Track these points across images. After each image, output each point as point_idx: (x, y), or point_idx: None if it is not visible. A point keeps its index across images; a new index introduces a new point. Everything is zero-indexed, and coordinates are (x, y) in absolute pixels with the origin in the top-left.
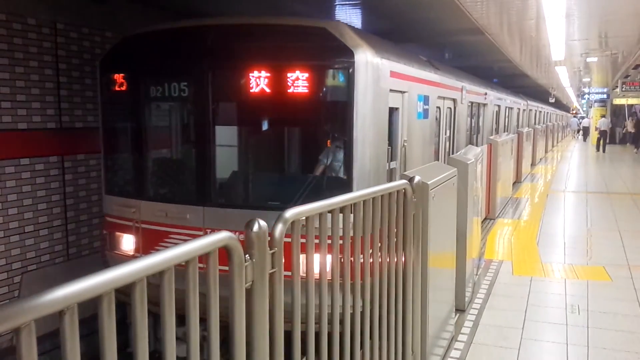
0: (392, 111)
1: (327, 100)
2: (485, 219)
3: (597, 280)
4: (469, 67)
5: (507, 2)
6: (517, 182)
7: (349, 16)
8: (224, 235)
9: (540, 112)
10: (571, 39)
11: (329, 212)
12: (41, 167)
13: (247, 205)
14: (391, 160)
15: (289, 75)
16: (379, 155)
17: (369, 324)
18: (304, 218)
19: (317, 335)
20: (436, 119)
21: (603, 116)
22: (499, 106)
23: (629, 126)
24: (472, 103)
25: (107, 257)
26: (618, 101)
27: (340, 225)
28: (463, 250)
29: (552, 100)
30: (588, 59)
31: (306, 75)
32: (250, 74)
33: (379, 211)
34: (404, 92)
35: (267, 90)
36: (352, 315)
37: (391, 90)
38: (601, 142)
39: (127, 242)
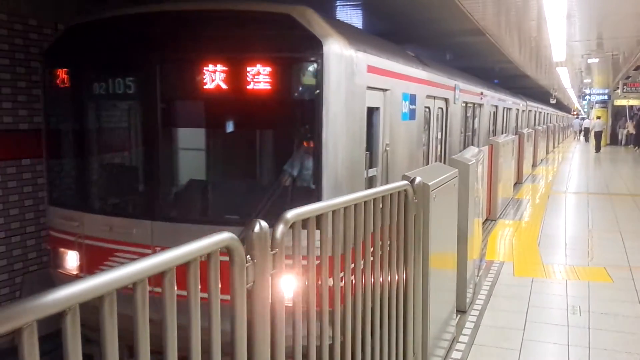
0: (371, 111)
1: (292, 99)
2: (487, 220)
3: (598, 281)
4: (470, 68)
5: (507, 3)
6: (518, 183)
7: (350, 17)
8: (226, 236)
9: (540, 113)
10: (572, 40)
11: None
12: (42, 167)
13: (202, 220)
14: (371, 167)
15: (248, 69)
16: (354, 161)
17: (370, 324)
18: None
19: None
20: (425, 120)
21: (598, 117)
22: (496, 107)
23: (630, 128)
24: (466, 103)
25: (53, 276)
26: (619, 102)
27: (341, 226)
28: (464, 251)
29: (553, 101)
30: (589, 60)
31: (268, 69)
32: (204, 68)
33: (380, 212)
34: (386, 90)
35: (224, 86)
36: (353, 316)
37: (369, 88)
38: (596, 142)
39: (71, 260)
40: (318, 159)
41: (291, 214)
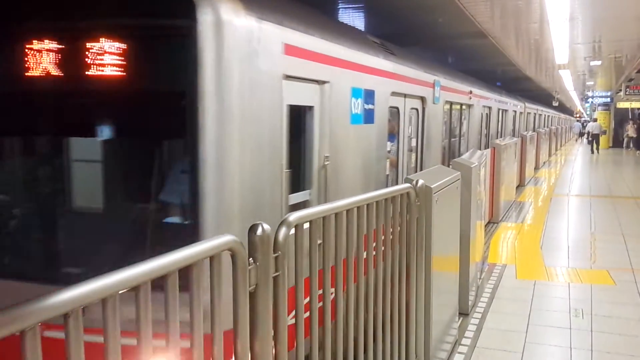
0: (298, 112)
1: (154, 91)
2: (489, 222)
3: (600, 284)
4: (472, 71)
5: (510, 5)
6: (520, 185)
7: (352, 19)
8: (228, 239)
9: (540, 115)
10: (575, 43)
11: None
12: None
13: (24, 275)
14: (298, 190)
15: (89, 45)
16: (260, 183)
17: (373, 327)
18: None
19: (321, 337)
20: (391, 123)
21: (595, 120)
22: (489, 108)
23: (630, 131)
24: (451, 103)
25: None
26: (622, 105)
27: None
28: (466, 253)
29: (555, 103)
30: (592, 63)
31: (118, 46)
32: (27, 46)
33: (383, 215)
34: (323, 82)
35: (56, 72)
36: (356, 319)
37: (289, 78)
38: (594, 145)
39: None
40: (194, 183)
41: (293, 216)
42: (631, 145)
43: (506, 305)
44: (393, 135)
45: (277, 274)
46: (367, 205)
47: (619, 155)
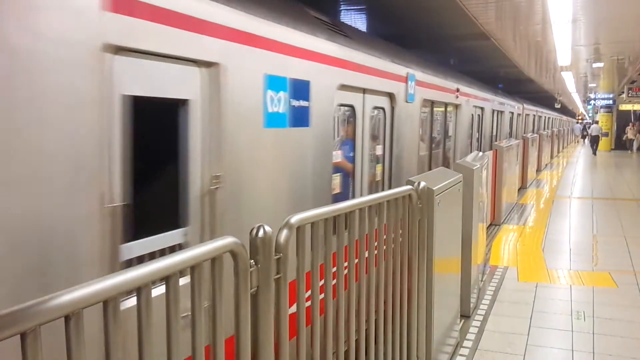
0: (156, 108)
1: None
2: (491, 224)
3: (602, 286)
4: (474, 72)
5: (513, 7)
6: (522, 187)
7: (354, 21)
8: (230, 241)
9: (540, 117)
10: (577, 44)
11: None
12: None
13: None
14: (151, 233)
15: None
16: (44, 231)
17: (374, 329)
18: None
19: (323, 340)
20: (341, 127)
21: (596, 122)
22: (481, 109)
23: (630, 133)
24: (432, 103)
25: None
26: (624, 107)
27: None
28: (468, 256)
29: (557, 105)
30: (594, 65)
31: None
32: None
33: (384, 217)
34: (208, 64)
35: None
36: (358, 321)
37: (124, 51)
38: (594, 146)
39: None
40: None
41: (295, 218)
42: (634, 147)
43: (508, 308)
44: (347, 141)
45: (278, 276)
46: (369, 207)
47: (621, 158)
